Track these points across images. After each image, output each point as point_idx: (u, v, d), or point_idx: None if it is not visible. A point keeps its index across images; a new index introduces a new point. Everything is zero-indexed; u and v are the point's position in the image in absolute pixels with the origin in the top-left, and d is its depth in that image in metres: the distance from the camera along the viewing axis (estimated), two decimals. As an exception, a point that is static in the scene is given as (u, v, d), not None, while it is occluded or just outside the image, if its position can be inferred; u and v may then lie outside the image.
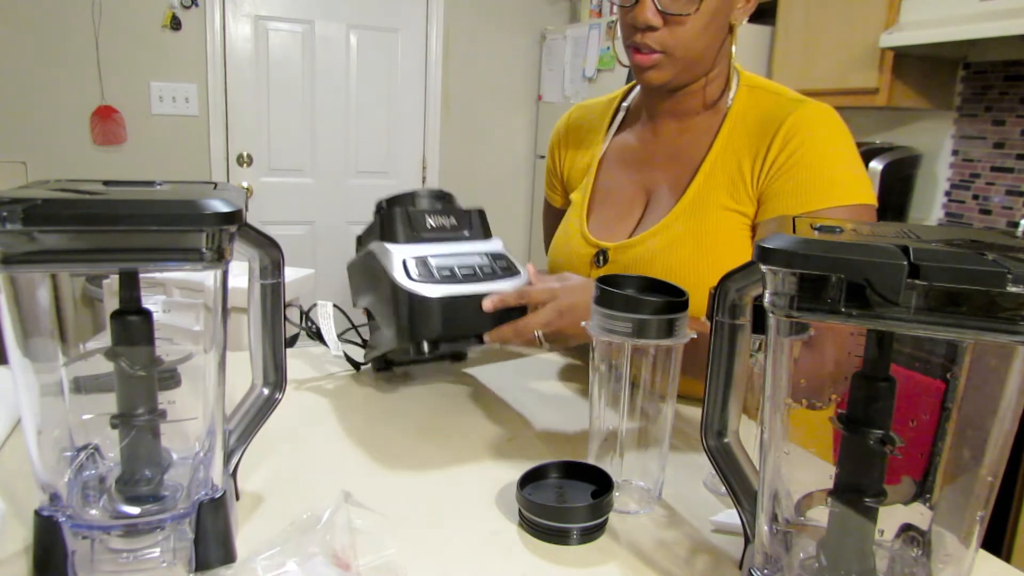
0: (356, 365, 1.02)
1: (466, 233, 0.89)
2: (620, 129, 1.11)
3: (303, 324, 1.00)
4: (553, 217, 1.21)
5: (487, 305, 0.81)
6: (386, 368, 1.02)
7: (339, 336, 1.01)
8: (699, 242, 0.92)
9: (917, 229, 0.50)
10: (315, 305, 1.00)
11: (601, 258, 1.00)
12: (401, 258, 0.81)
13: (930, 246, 0.42)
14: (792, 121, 0.91)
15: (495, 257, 0.86)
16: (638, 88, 1.09)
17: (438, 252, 0.83)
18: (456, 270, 0.82)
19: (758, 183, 0.91)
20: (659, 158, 1.03)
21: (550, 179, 1.22)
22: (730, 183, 0.93)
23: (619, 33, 0.97)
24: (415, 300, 0.78)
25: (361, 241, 0.92)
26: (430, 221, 0.86)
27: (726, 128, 0.96)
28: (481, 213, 0.91)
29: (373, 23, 3.53)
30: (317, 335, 0.99)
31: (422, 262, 0.81)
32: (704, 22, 0.90)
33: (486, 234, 0.91)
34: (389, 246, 0.83)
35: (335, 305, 1.01)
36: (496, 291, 0.82)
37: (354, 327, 1.03)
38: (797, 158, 0.89)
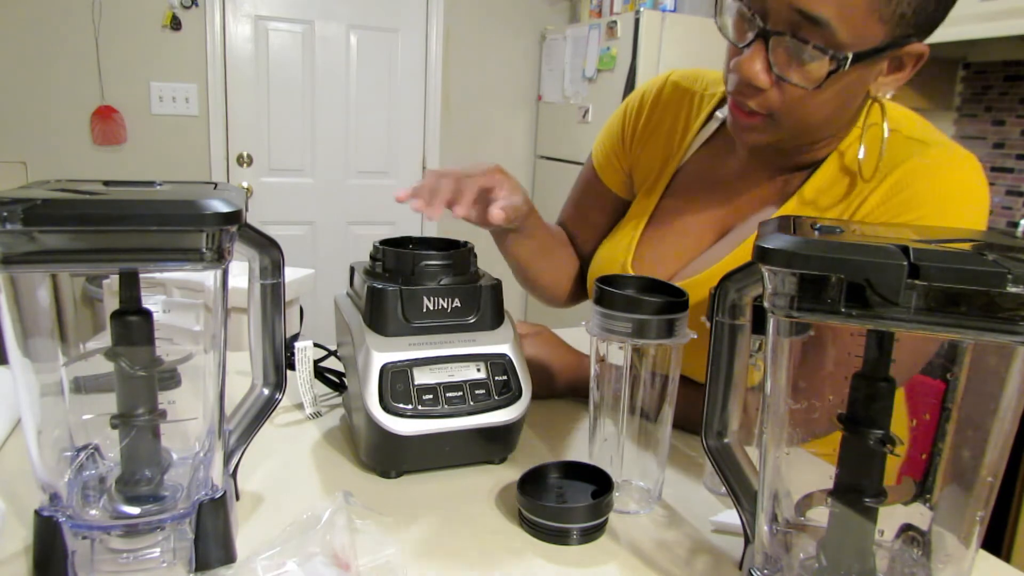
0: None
1: (471, 319, 0.74)
2: (707, 140, 0.91)
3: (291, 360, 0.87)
4: (597, 196, 1.01)
5: (406, 200, 0.75)
6: None
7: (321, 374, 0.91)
8: None
9: (917, 229, 0.50)
10: (295, 341, 0.87)
11: None
12: (380, 364, 0.69)
13: (930, 246, 0.42)
14: (908, 168, 0.72)
15: (496, 366, 0.73)
16: None
17: (427, 356, 0.71)
18: (441, 393, 0.70)
19: None
20: (740, 194, 0.85)
21: (612, 152, 0.99)
22: None
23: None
24: (386, 434, 0.69)
25: (354, 275, 0.81)
26: (428, 304, 0.72)
27: (824, 170, 0.79)
28: (496, 289, 0.76)
29: (373, 23, 3.52)
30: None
31: (403, 376, 0.70)
32: (826, 96, 0.70)
33: (497, 320, 0.76)
34: (371, 340, 0.71)
35: (318, 345, 0.88)
36: (485, 423, 0.71)
37: (339, 379, 0.92)
38: (902, 221, 0.71)
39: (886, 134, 0.74)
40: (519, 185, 0.85)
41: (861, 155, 0.76)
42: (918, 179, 0.72)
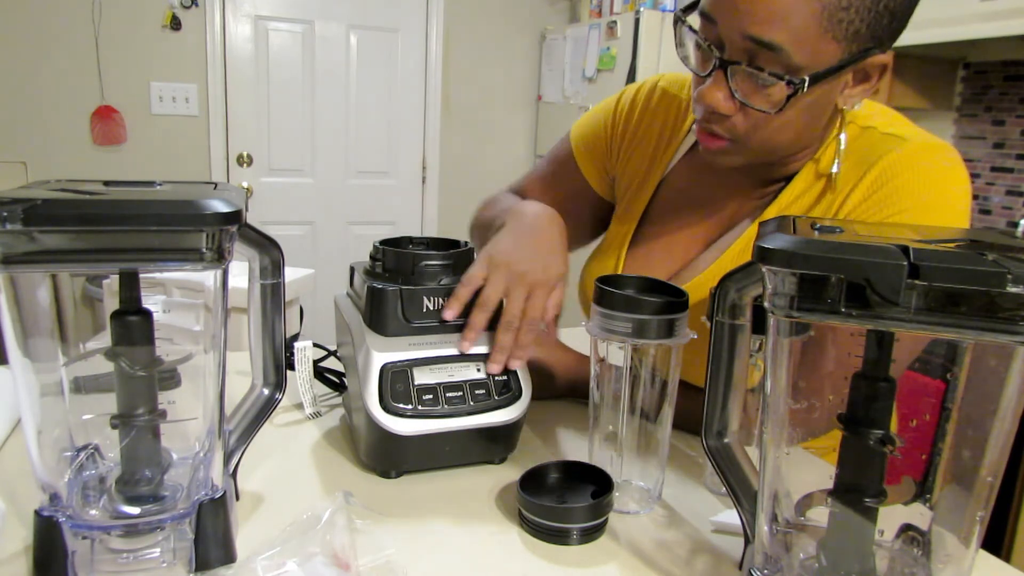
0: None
1: None
2: (688, 150, 0.91)
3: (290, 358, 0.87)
4: (573, 184, 0.99)
5: (447, 315, 0.72)
6: None
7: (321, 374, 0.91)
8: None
9: (917, 229, 0.50)
10: (295, 341, 0.87)
11: None
12: (380, 364, 0.69)
13: (930, 246, 0.42)
14: (887, 163, 0.72)
15: None
16: None
17: (427, 356, 0.71)
18: (441, 393, 0.70)
19: None
20: (721, 207, 0.85)
21: (596, 150, 0.97)
22: None
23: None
24: (386, 434, 0.68)
25: (354, 275, 0.81)
26: (428, 303, 0.72)
27: (801, 176, 0.79)
28: None
29: (373, 23, 3.53)
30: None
31: (403, 376, 0.69)
32: (791, 116, 0.70)
33: (496, 320, 0.75)
34: (371, 340, 0.71)
35: (317, 345, 0.88)
36: (485, 423, 0.71)
37: (339, 380, 0.93)
38: (880, 219, 0.72)
39: (843, 146, 0.76)
40: (561, 292, 0.77)
41: (835, 169, 0.76)
42: (897, 174, 0.72)
